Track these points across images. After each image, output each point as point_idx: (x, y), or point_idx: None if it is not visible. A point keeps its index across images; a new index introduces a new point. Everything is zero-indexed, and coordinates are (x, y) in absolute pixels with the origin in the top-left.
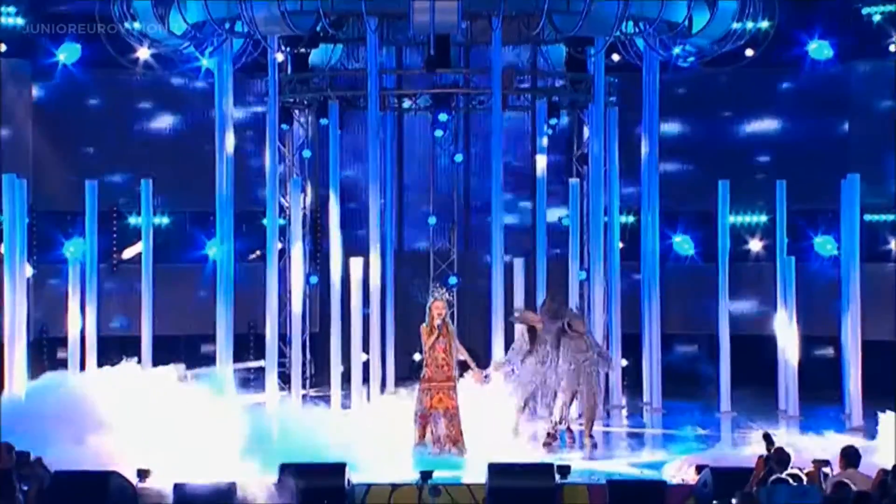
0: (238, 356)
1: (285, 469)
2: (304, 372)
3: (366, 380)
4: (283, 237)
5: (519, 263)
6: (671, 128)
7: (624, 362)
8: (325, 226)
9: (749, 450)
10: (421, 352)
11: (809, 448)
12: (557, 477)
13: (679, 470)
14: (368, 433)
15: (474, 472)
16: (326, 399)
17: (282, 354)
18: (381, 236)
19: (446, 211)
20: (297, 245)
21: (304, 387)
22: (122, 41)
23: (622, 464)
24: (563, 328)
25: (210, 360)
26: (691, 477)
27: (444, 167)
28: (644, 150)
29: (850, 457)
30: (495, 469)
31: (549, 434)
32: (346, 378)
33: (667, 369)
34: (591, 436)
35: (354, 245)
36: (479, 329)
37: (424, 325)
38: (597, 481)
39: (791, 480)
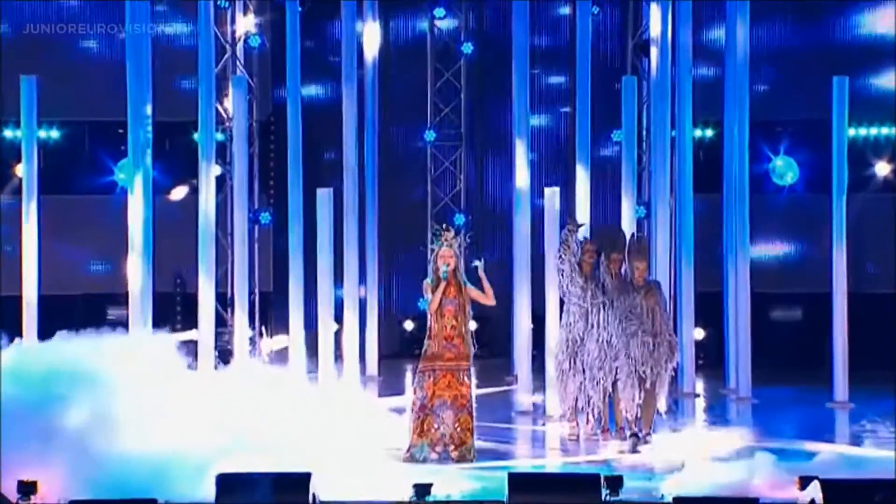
0: (160, 324)
1: (225, 481)
2: (252, 346)
3: (339, 357)
4: (222, 159)
5: (552, 195)
6: (766, 5)
7: (699, 333)
8: (280, 144)
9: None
10: (414, 319)
11: None
12: (606, 492)
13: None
14: (342, 430)
15: (490, 485)
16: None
17: (222, 322)
18: (358, 158)
19: (450, 122)
20: (241, 170)
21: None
22: None
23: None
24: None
25: (121, 328)
26: (793, 491)
27: (446, 62)
28: (729, 37)
29: None
30: (518, 480)
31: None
32: (310, 355)
33: (759, 343)
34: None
35: (322, 171)
36: (496, 287)
37: (428, 280)
38: (660, 499)
39: None
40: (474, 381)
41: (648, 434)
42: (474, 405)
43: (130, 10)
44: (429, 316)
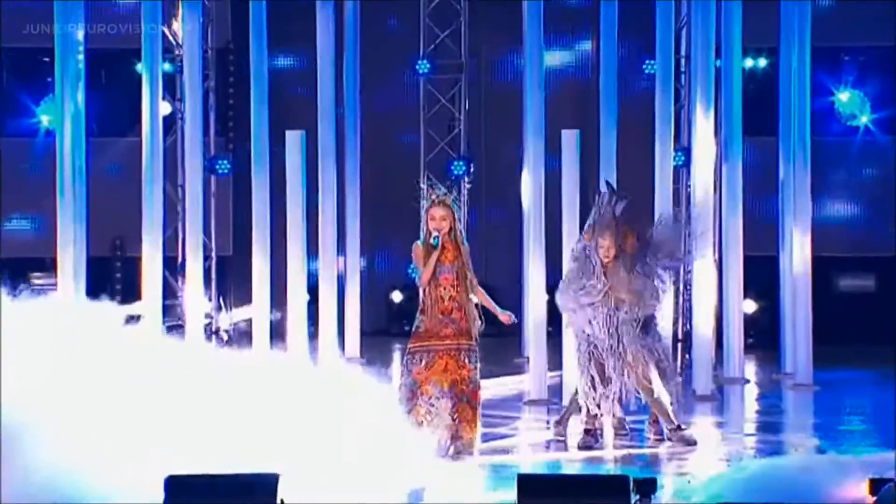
0: (97, 293)
1: (175, 483)
2: (209, 322)
3: (313, 335)
4: (172, 95)
5: (570, 137)
6: None
7: (749, 307)
8: (242, 76)
9: None
10: (403, 289)
11: None
12: (635, 497)
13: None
14: (319, 422)
15: (497, 487)
16: None
17: (171, 293)
18: (335, 94)
19: (447, 51)
20: (195, 109)
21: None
22: None
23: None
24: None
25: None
26: (863, 495)
27: None
28: None
29: None
30: (529, 482)
31: (586, 430)
32: (278, 331)
33: (822, 317)
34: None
35: (292, 109)
36: (503, 251)
37: (418, 243)
38: None
39: None
40: (478, 364)
41: (675, 429)
42: (479, 393)
43: None
44: (420, 286)
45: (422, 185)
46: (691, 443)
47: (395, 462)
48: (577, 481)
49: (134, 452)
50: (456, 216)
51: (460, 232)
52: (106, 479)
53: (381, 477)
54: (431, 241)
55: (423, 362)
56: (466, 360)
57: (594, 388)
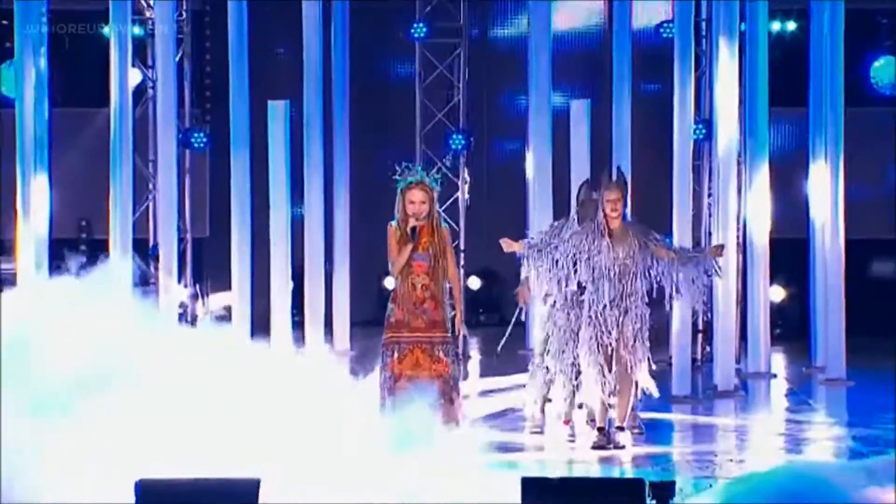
0: None
1: (146, 487)
2: (183, 310)
3: (298, 324)
4: (142, 62)
5: (580, 108)
6: None
7: (777, 294)
8: (219, 41)
9: None
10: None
11: None
12: (651, 502)
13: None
14: (305, 420)
15: (499, 490)
16: None
17: (142, 279)
18: (322, 61)
19: (445, 13)
20: (168, 77)
21: None
22: None
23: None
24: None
25: (5, 283)
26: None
27: None
28: None
29: None
30: (535, 486)
31: (599, 429)
32: (260, 321)
33: (856, 306)
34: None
35: (274, 77)
36: (507, 234)
37: (392, 224)
38: None
39: None
40: (457, 357)
41: (635, 427)
42: (460, 391)
43: None
44: (393, 273)
45: (403, 166)
46: (600, 447)
47: (394, 462)
48: (587, 485)
49: (107, 451)
50: (434, 197)
51: (438, 214)
52: (77, 478)
53: (379, 477)
54: (409, 230)
55: (396, 355)
56: (442, 354)
57: (604, 376)
